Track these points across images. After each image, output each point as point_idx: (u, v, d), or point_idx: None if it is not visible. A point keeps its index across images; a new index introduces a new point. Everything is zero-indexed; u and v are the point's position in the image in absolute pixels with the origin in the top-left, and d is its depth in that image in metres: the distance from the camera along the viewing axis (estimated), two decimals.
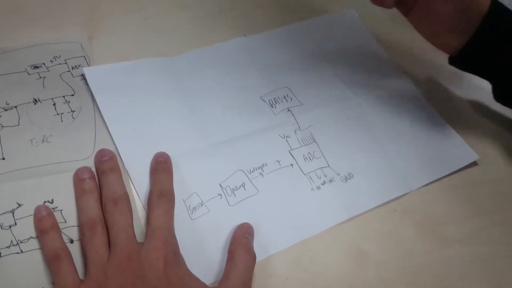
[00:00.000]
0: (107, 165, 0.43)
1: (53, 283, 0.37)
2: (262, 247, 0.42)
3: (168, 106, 0.49)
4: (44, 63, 0.48)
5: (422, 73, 0.56)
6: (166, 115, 0.48)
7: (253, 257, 0.40)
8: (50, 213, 0.40)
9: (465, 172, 0.49)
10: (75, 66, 0.49)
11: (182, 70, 0.52)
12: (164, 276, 0.36)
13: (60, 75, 0.48)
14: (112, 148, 0.44)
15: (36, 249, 0.38)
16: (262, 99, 0.52)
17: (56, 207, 0.40)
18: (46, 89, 0.47)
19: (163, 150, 0.45)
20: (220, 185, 0.44)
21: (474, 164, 0.49)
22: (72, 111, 0.46)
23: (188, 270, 0.38)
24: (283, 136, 0.48)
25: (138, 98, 0.48)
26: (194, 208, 0.42)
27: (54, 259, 0.37)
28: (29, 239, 0.38)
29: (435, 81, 0.56)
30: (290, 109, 0.51)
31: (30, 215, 0.39)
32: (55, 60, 0.49)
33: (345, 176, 0.47)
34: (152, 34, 0.55)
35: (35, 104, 0.45)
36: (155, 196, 0.41)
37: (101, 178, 0.42)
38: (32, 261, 0.37)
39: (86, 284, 0.36)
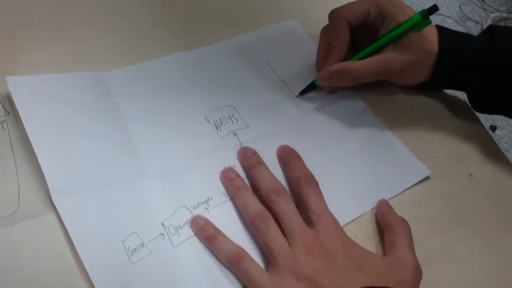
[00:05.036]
0: (254, 159, 0.49)
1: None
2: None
3: (100, 129, 0.49)
4: None
5: (369, 88, 0.58)
6: (98, 140, 0.48)
7: (407, 222, 0.47)
8: (207, 220, 0.45)
9: (419, 187, 0.52)
10: None
11: (115, 88, 0.52)
12: (350, 256, 0.42)
13: None
14: (37, 189, 0.44)
15: None
16: (207, 120, 0.52)
17: None
18: None
19: (95, 183, 0.45)
20: (162, 223, 0.44)
21: (427, 178, 0.52)
22: None
23: (360, 246, 0.44)
24: (228, 166, 0.49)
25: (67, 116, 0.48)
26: (134, 250, 0.42)
27: (237, 260, 0.42)
28: None
29: (383, 96, 0.58)
30: (235, 132, 0.52)
31: None
32: None
33: (296, 202, 0.48)
34: (80, 61, 0.54)
35: None
36: (304, 182, 0.46)
37: (251, 172, 0.48)
38: None
39: (280, 273, 0.41)
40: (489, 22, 1.88)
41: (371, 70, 0.53)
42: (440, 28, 0.53)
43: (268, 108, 0.55)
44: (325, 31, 0.56)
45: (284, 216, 0.44)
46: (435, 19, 1.88)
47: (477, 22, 1.90)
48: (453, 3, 1.95)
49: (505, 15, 1.90)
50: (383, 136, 0.55)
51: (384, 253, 0.46)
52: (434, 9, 0.51)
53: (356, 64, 0.53)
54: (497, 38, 0.52)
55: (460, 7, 1.94)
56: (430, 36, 0.52)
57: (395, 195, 0.50)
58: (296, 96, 0.56)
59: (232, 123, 0.53)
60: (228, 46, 0.60)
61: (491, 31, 0.53)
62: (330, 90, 0.57)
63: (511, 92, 0.52)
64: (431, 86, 0.57)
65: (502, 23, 1.91)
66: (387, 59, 0.52)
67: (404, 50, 0.52)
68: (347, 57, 0.54)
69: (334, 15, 0.54)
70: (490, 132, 1.59)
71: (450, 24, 1.89)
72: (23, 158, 0.46)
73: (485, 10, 1.94)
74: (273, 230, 0.43)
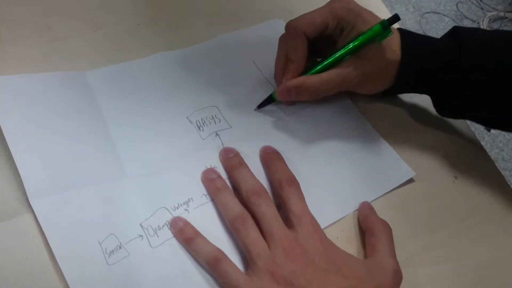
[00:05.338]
0: (236, 160, 0.48)
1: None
2: None
3: (80, 129, 0.48)
4: None
5: None
6: (78, 141, 0.47)
7: (388, 225, 0.47)
8: (186, 222, 0.45)
9: (402, 189, 0.51)
10: None
11: (96, 87, 0.52)
12: (329, 258, 0.42)
13: None
14: (15, 189, 0.43)
15: None
16: (189, 120, 0.52)
17: None
18: None
19: (73, 183, 0.44)
20: (141, 225, 0.44)
21: (411, 180, 0.52)
22: None
23: (340, 248, 0.44)
24: (209, 167, 0.49)
25: (46, 117, 0.48)
26: (112, 252, 0.42)
27: (215, 262, 0.42)
28: None
29: (369, 97, 0.57)
30: (218, 133, 0.51)
31: None
32: None
33: (279, 203, 0.47)
34: (62, 58, 0.53)
35: None
36: (285, 184, 0.46)
37: (233, 173, 0.48)
38: None
39: (258, 276, 0.41)
40: (486, 20, 1.88)
41: (329, 85, 0.51)
42: (403, 33, 0.52)
43: (252, 109, 0.54)
44: (283, 40, 0.53)
45: (264, 218, 0.44)
46: (431, 17, 1.88)
47: (474, 21, 1.89)
48: (450, 1, 1.95)
49: (502, 14, 1.90)
50: (368, 137, 0.54)
51: (365, 256, 0.46)
52: (395, 19, 0.48)
53: (313, 79, 0.51)
54: (461, 39, 0.50)
55: (457, 5, 1.93)
56: (392, 44, 0.50)
57: (379, 197, 0.50)
58: (255, 110, 0.54)
59: (215, 123, 0.52)
60: (212, 45, 0.59)
61: (455, 33, 0.51)
62: (289, 103, 0.55)
63: (476, 95, 0.50)
64: (394, 92, 0.57)
65: (498, 22, 1.91)
66: (345, 72, 0.50)
67: (363, 63, 0.50)
68: (307, 68, 0.52)
69: (290, 27, 0.51)
70: (485, 131, 1.59)
71: (447, 22, 1.88)
72: (0, 158, 0.45)
73: (482, 9, 1.93)
74: (252, 232, 0.43)
